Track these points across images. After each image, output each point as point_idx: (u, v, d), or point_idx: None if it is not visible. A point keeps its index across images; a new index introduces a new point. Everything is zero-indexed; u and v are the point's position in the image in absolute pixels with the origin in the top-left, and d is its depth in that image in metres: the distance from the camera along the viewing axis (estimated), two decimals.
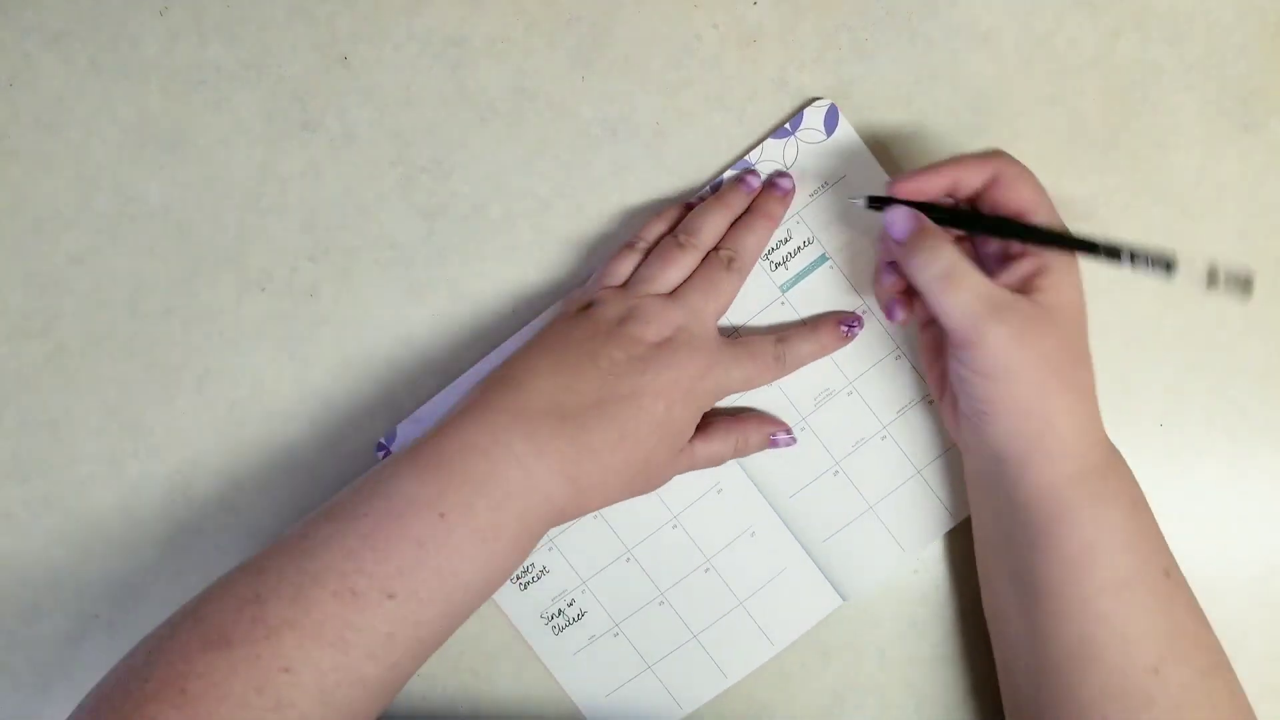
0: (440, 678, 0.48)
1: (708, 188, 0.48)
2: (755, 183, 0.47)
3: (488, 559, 0.38)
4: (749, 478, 0.48)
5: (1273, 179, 0.47)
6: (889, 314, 0.44)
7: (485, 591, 0.39)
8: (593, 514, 0.48)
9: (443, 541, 0.37)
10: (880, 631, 0.48)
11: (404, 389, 0.49)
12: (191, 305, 0.49)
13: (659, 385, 0.42)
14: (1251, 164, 0.47)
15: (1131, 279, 0.48)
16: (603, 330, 0.43)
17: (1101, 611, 0.39)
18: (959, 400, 0.42)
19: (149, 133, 0.49)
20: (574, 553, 0.48)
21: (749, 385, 0.46)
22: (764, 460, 0.47)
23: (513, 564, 0.40)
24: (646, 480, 0.43)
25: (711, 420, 0.46)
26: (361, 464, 0.49)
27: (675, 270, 0.45)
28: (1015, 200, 0.40)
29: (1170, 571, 0.40)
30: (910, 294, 0.43)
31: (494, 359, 0.48)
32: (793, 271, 0.47)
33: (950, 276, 0.39)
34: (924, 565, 0.48)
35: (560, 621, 0.48)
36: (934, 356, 0.45)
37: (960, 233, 0.43)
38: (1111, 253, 0.39)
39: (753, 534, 0.48)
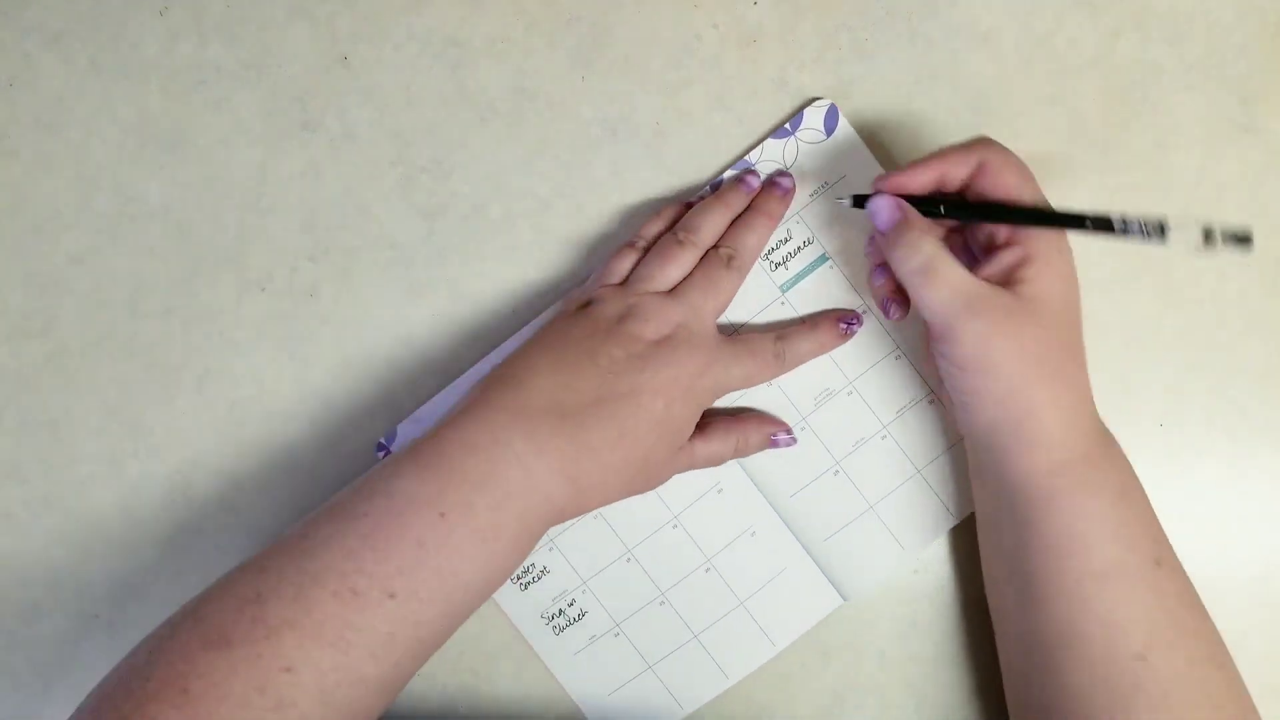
0: (440, 678, 0.48)
1: (707, 188, 0.48)
2: (755, 182, 0.47)
3: (488, 558, 0.39)
4: (749, 477, 0.48)
5: (1273, 179, 0.47)
6: (885, 311, 0.45)
7: (486, 591, 0.39)
8: (593, 514, 0.48)
9: (443, 541, 0.37)
10: (880, 631, 0.48)
11: (404, 389, 0.49)
12: (191, 305, 0.49)
13: (658, 383, 0.42)
14: (1251, 164, 0.47)
15: (1132, 279, 0.48)
16: (602, 328, 0.43)
17: (1086, 599, 0.39)
18: (948, 389, 0.42)
19: (149, 133, 0.49)
20: (574, 553, 0.48)
21: (748, 383, 0.46)
22: (764, 460, 0.47)
23: (513, 563, 0.40)
24: (646, 479, 0.43)
25: (712, 420, 0.46)
26: (361, 464, 0.49)
27: (675, 268, 0.45)
28: (1000, 187, 0.40)
29: (1162, 561, 0.39)
30: (903, 290, 0.44)
31: (494, 359, 0.48)
32: (793, 271, 0.47)
33: (928, 270, 0.39)
34: (924, 565, 0.48)
35: (561, 621, 0.48)
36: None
37: (953, 223, 0.44)
38: (1101, 224, 0.39)
39: (753, 534, 0.48)
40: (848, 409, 0.47)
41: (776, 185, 0.46)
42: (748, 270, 0.46)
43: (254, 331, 0.49)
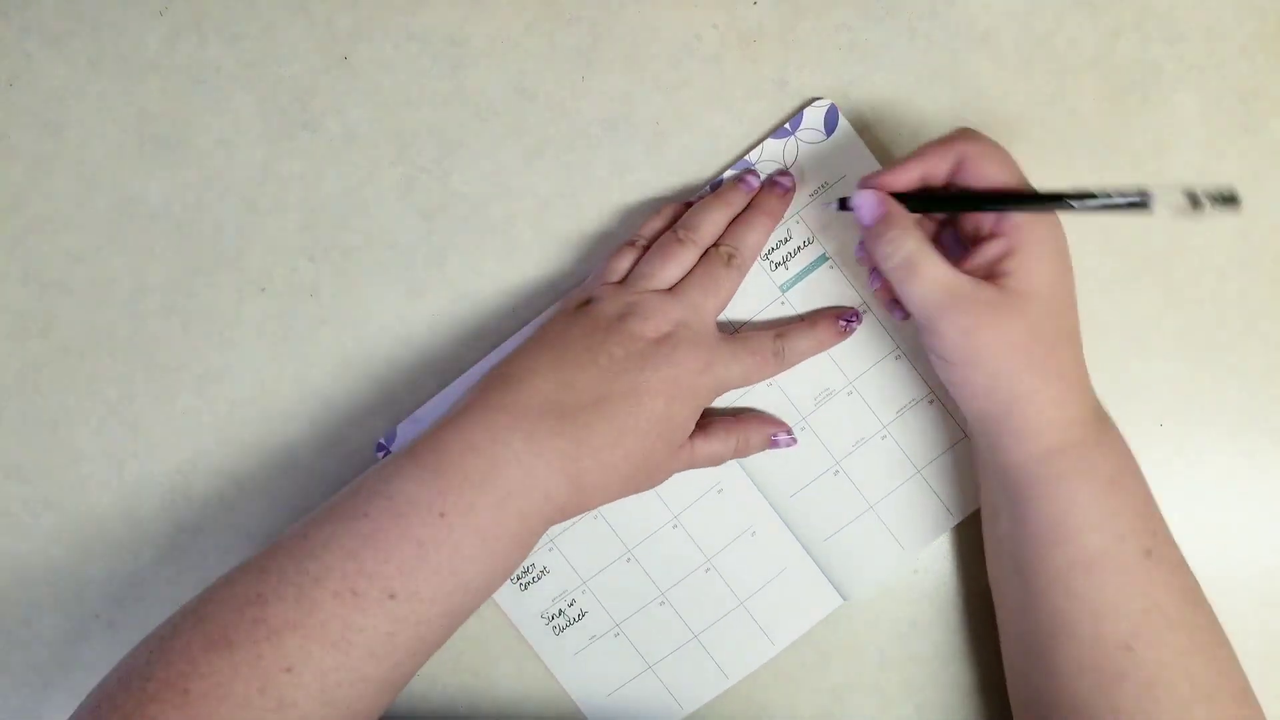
0: (440, 678, 0.48)
1: (707, 187, 0.48)
2: (755, 182, 0.47)
3: (489, 558, 0.39)
4: (749, 477, 0.48)
5: (1273, 179, 0.47)
6: (890, 312, 0.45)
7: (486, 590, 0.40)
8: (593, 514, 0.48)
9: (443, 541, 0.37)
10: (880, 631, 0.48)
11: (404, 389, 0.49)
12: (191, 305, 0.49)
13: (658, 381, 0.42)
14: (1251, 164, 0.47)
15: (1132, 279, 0.48)
16: (602, 327, 0.43)
17: (1072, 587, 0.39)
18: (941, 380, 0.42)
19: (149, 133, 0.49)
20: (574, 553, 0.48)
21: (748, 381, 0.46)
22: (764, 460, 0.47)
23: (514, 562, 0.40)
24: (647, 477, 0.43)
25: (712, 419, 0.46)
26: (361, 464, 0.49)
27: (675, 266, 0.45)
28: (981, 178, 0.40)
29: (1154, 552, 0.39)
30: None
31: (494, 358, 0.48)
32: (793, 271, 0.47)
33: (910, 266, 0.39)
34: (924, 565, 0.48)
35: (561, 622, 0.48)
36: None
37: (943, 217, 0.44)
38: (1082, 199, 0.38)
39: (753, 534, 0.48)
40: (848, 409, 0.47)
41: (777, 184, 0.46)
42: (748, 269, 0.46)
43: (254, 331, 0.49)
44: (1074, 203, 0.38)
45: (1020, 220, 0.39)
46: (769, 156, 0.47)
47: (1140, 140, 0.47)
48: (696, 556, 0.48)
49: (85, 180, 0.49)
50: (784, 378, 0.47)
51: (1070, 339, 0.40)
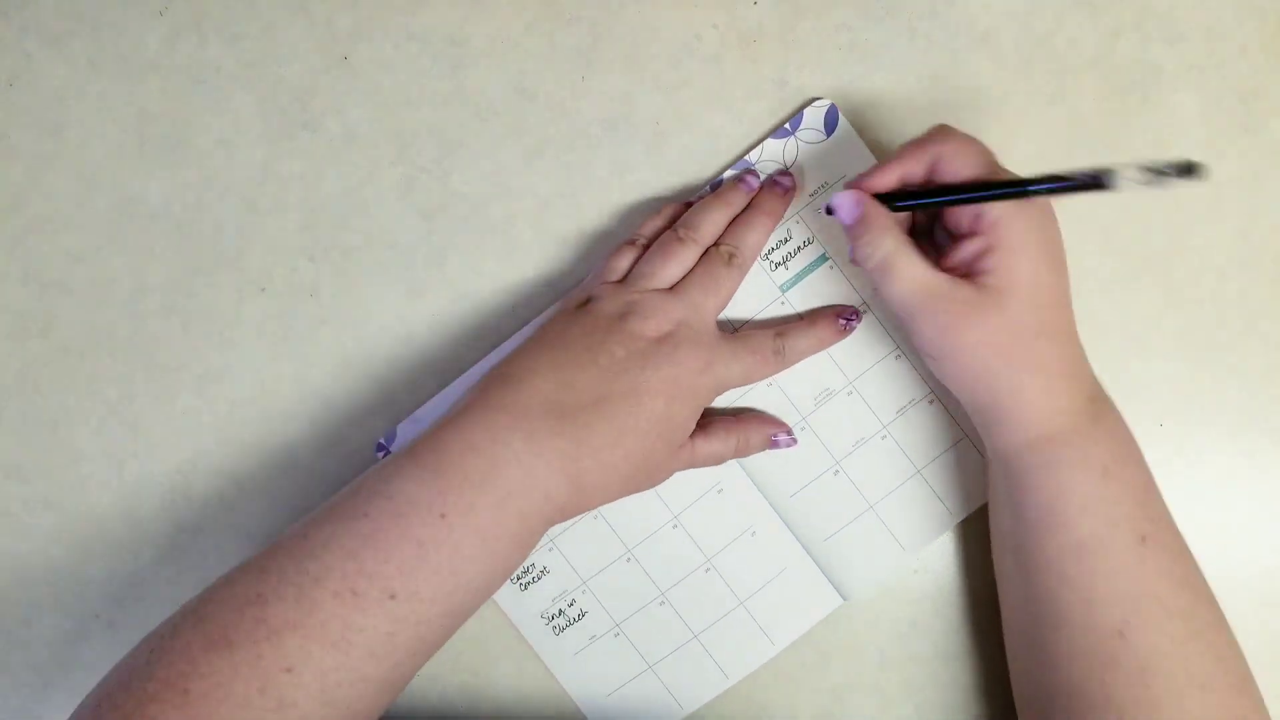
0: (440, 678, 0.49)
1: (707, 187, 0.48)
2: (755, 182, 0.47)
3: (489, 558, 0.39)
4: (749, 477, 0.48)
5: (1273, 179, 0.47)
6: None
7: (487, 590, 0.40)
8: (593, 514, 0.48)
9: (443, 541, 0.37)
10: (880, 631, 0.48)
11: (404, 389, 0.49)
12: (191, 305, 0.49)
13: (659, 381, 0.42)
14: (1251, 164, 0.47)
15: (1132, 279, 0.48)
16: (602, 326, 0.43)
17: (1065, 573, 0.40)
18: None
19: (149, 133, 0.49)
20: (574, 553, 0.48)
21: (749, 380, 0.46)
22: (764, 460, 0.47)
23: (514, 563, 0.40)
24: (647, 477, 0.43)
25: (713, 419, 0.46)
26: (361, 464, 0.49)
27: (675, 265, 0.45)
28: (952, 176, 0.40)
29: (1149, 539, 0.39)
30: None
31: (494, 358, 0.48)
32: (793, 271, 0.48)
33: (887, 266, 0.40)
34: (924, 565, 0.48)
35: (561, 622, 0.48)
36: None
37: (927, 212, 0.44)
38: (1041, 184, 0.38)
39: (753, 534, 0.48)
40: (848, 409, 0.47)
41: (777, 184, 0.46)
42: (748, 268, 0.46)
43: (254, 331, 0.49)
44: (1032, 187, 0.38)
45: (996, 217, 0.39)
46: (769, 156, 0.47)
47: (1140, 140, 0.48)
48: (696, 556, 0.48)
49: (85, 180, 0.49)
50: (784, 378, 0.47)
51: (1056, 332, 0.40)
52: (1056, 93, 0.48)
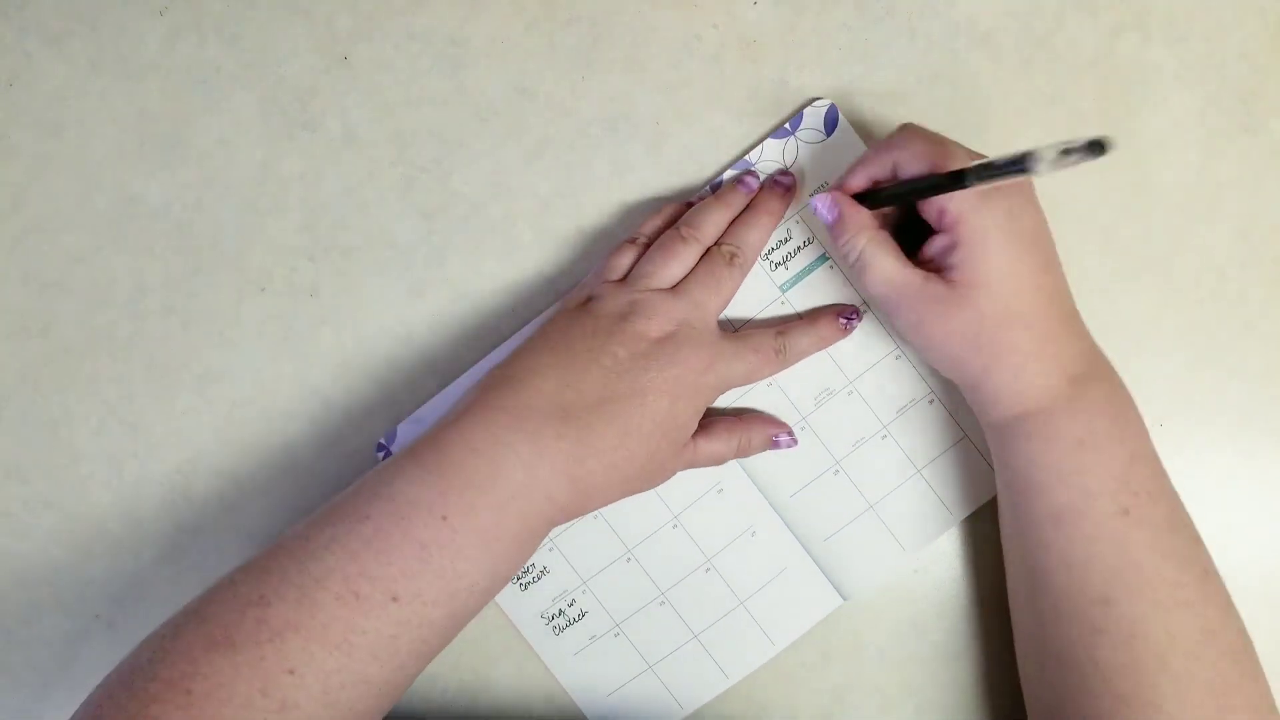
0: (441, 678, 0.49)
1: (707, 188, 0.48)
2: (754, 183, 0.47)
3: (491, 560, 0.39)
4: (749, 478, 0.48)
5: (1273, 179, 0.47)
6: None
7: (489, 592, 0.39)
8: (593, 514, 0.48)
9: (445, 543, 0.37)
10: (880, 631, 0.48)
11: (404, 389, 0.49)
12: (191, 305, 0.49)
13: (662, 381, 0.42)
14: (1251, 164, 0.47)
15: (1132, 279, 0.48)
16: (604, 326, 0.42)
17: (1044, 539, 0.41)
18: None
19: (149, 133, 0.49)
20: (574, 553, 0.48)
21: (751, 379, 0.46)
22: (764, 460, 0.47)
23: (516, 564, 0.40)
24: (649, 477, 0.43)
25: (714, 420, 0.46)
26: (361, 464, 0.49)
27: (677, 264, 0.45)
28: (908, 176, 0.41)
29: (1131, 511, 0.40)
30: None
31: (494, 358, 0.48)
32: (793, 271, 0.48)
33: (862, 264, 0.42)
34: (924, 565, 0.48)
35: (561, 622, 0.48)
36: None
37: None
38: (977, 173, 0.38)
39: (753, 534, 0.48)
40: (848, 409, 0.47)
41: (777, 183, 0.46)
42: (749, 267, 0.46)
43: (254, 331, 0.49)
44: (968, 178, 0.38)
45: (958, 213, 0.40)
46: (769, 156, 0.47)
47: (1140, 140, 0.48)
48: (696, 556, 0.48)
49: (85, 180, 0.49)
50: (784, 378, 0.47)
51: (1029, 317, 0.40)
52: (1056, 93, 0.48)
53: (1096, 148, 0.32)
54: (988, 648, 0.48)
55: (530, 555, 0.41)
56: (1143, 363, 0.48)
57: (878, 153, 0.42)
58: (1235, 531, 0.48)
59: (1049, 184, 0.42)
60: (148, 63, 0.49)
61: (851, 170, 0.43)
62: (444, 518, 0.38)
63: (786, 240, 0.47)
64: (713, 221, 0.45)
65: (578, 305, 0.44)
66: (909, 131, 0.42)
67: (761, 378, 0.46)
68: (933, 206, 0.40)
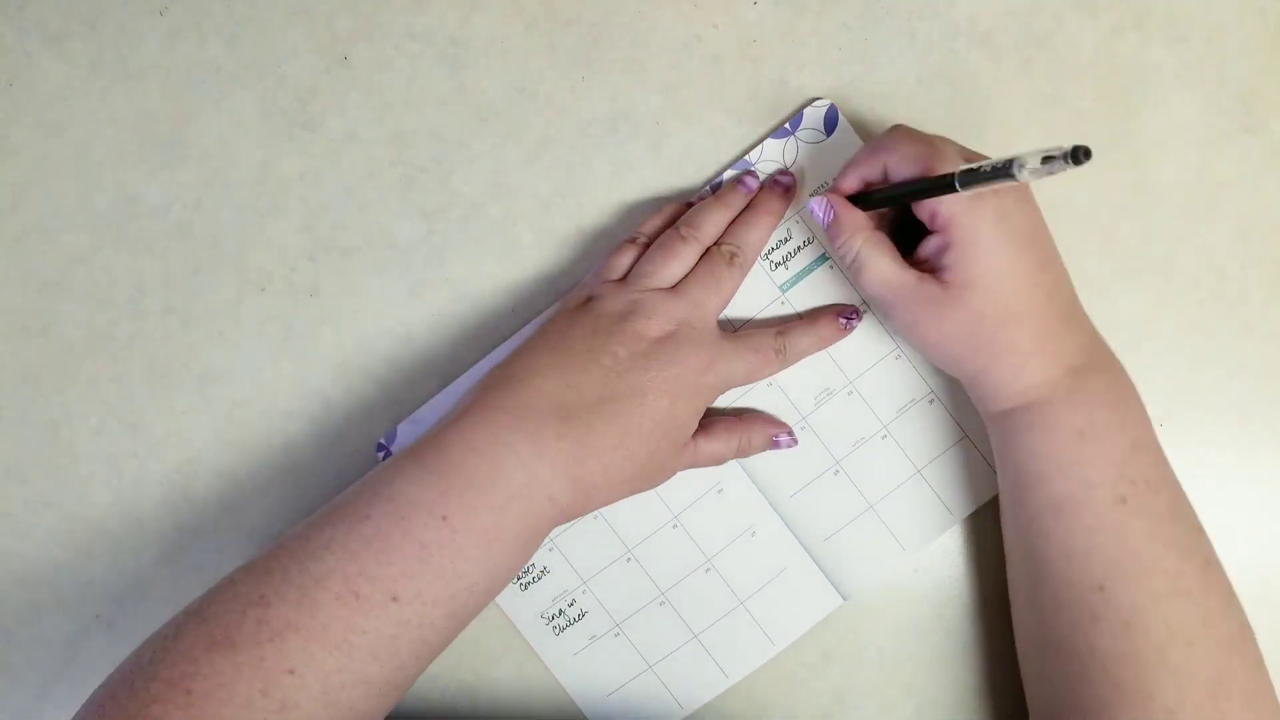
0: (441, 678, 0.48)
1: (707, 188, 0.48)
2: (754, 184, 0.47)
3: (491, 560, 0.39)
4: (750, 478, 0.48)
5: (1273, 179, 0.47)
6: None
7: (490, 593, 0.39)
8: (593, 514, 0.48)
9: (445, 544, 0.37)
10: (880, 631, 0.48)
11: (404, 389, 0.49)
12: (191, 305, 0.49)
13: (662, 381, 0.42)
14: (1251, 164, 0.47)
15: (1132, 279, 0.48)
16: (604, 326, 0.42)
17: (1044, 529, 0.41)
18: None
19: (149, 133, 0.49)
20: (574, 553, 0.48)
21: (751, 379, 0.46)
22: (765, 460, 0.47)
23: (517, 564, 0.40)
24: (650, 477, 0.43)
25: (714, 420, 0.46)
26: (361, 464, 0.49)
27: (677, 263, 0.45)
28: (899, 178, 0.41)
29: (1129, 500, 0.40)
30: None
31: (494, 358, 0.48)
32: (793, 271, 0.48)
33: (858, 266, 0.42)
34: (924, 565, 0.48)
35: (561, 622, 0.48)
36: None
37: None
38: (965, 177, 0.37)
39: (753, 534, 0.48)
40: (848, 409, 0.47)
41: (777, 183, 0.46)
42: (749, 267, 0.46)
43: (254, 331, 0.49)
44: (957, 182, 0.38)
45: (950, 214, 0.40)
46: (769, 156, 0.47)
47: (1140, 140, 0.48)
48: (696, 556, 0.48)
49: (85, 180, 0.49)
50: (784, 378, 0.47)
51: (1026, 314, 0.40)
52: (1056, 93, 0.48)
53: (1078, 155, 0.33)
54: (988, 648, 0.48)
55: (531, 555, 0.41)
56: (1143, 363, 0.48)
57: (868, 154, 0.43)
58: (1235, 531, 0.48)
59: (1049, 184, 0.42)
60: (148, 63, 0.49)
61: (842, 172, 0.44)
62: (444, 518, 0.38)
63: (786, 240, 0.47)
64: (712, 221, 0.45)
65: (578, 305, 0.44)
66: (899, 133, 0.42)
67: (761, 378, 0.46)
68: (925, 208, 0.41)
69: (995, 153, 0.41)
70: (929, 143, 0.41)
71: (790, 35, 0.48)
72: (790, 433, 0.47)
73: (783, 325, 0.47)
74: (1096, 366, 0.41)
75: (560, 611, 0.48)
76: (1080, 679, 0.40)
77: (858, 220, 0.42)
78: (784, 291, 0.48)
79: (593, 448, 0.40)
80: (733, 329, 0.48)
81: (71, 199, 0.49)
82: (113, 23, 0.48)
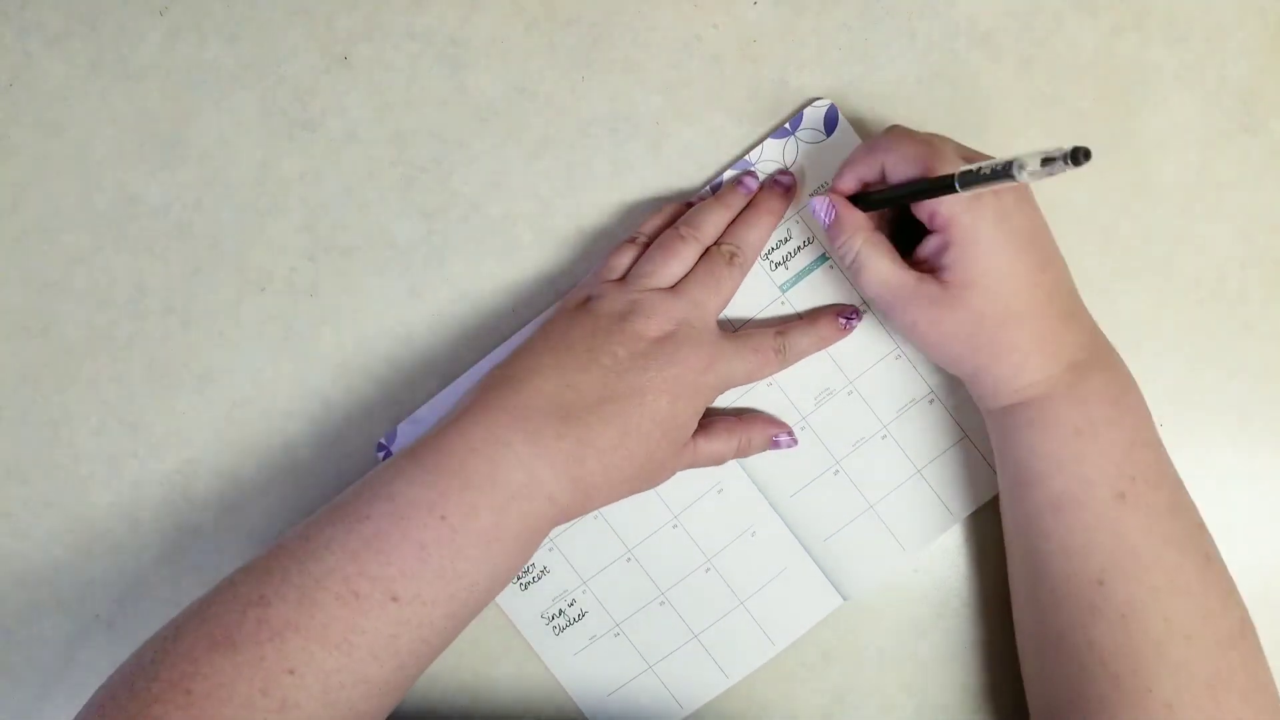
0: (441, 677, 0.48)
1: (707, 188, 0.48)
2: (753, 184, 0.47)
3: (491, 560, 0.39)
4: (750, 478, 0.48)
5: (1273, 179, 0.47)
6: None
7: (490, 593, 0.39)
8: (593, 514, 0.48)
9: (445, 544, 0.37)
10: (880, 631, 0.48)
11: (404, 389, 0.49)
12: (191, 305, 0.49)
13: (662, 381, 0.42)
14: (1251, 164, 0.47)
15: (1132, 279, 0.48)
16: (604, 326, 0.42)
17: (1043, 527, 0.41)
18: None
19: (149, 133, 0.49)
20: (575, 553, 0.48)
21: (751, 379, 0.46)
22: (764, 460, 0.47)
23: (517, 564, 0.40)
24: (649, 477, 0.43)
25: (714, 420, 0.46)
26: (361, 464, 0.49)
27: (677, 263, 0.44)
28: (897, 179, 0.41)
29: (1128, 496, 0.40)
30: None
31: (494, 358, 0.48)
32: (793, 271, 0.48)
33: (858, 266, 0.42)
34: (924, 565, 0.48)
35: (561, 622, 0.48)
36: None
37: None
38: (965, 177, 0.37)
39: (753, 534, 0.48)
40: (848, 409, 0.47)
41: (777, 183, 0.46)
42: (749, 267, 0.46)
43: (254, 331, 0.49)
44: (958, 184, 0.38)
45: (949, 214, 0.40)
46: (769, 156, 0.47)
47: (1140, 140, 0.48)
48: (696, 556, 0.48)
49: (85, 180, 0.49)
50: (784, 377, 0.47)
51: (1026, 313, 0.40)
52: (1056, 93, 0.48)
53: (1078, 157, 0.33)
54: (988, 648, 0.48)
55: (531, 555, 0.41)
56: (1143, 363, 0.47)
57: (865, 154, 0.43)
58: (1235, 531, 0.48)
59: (1048, 184, 0.42)
60: (148, 63, 0.49)
61: (839, 172, 0.44)
62: (444, 518, 0.38)
63: (786, 240, 0.47)
64: (712, 221, 0.45)
65: (577, 305, 0.44)
66: (897, 134, 0.42)
67: (761, 378, 0.46)
68: (925, 208, 0.41)
69: (995, 153, 0.41)
70: (928, 143, 0.41)
71: (790, 35, 0.48)
72: (790, 433, 0.47)
73: (783, 325, 0.47)
74: (1097, 364, 0.42)
75: (560, 611, 0.48)
76: (1079, 675, 0.40)
77: (858, 220, 0.43)
78: (784, 291, 0.48)
79: (593, 447, 0.40)
80: (733, 329, 0.48)
81: (71, 199, 0.49)
82: (113, 23, 0.48)
